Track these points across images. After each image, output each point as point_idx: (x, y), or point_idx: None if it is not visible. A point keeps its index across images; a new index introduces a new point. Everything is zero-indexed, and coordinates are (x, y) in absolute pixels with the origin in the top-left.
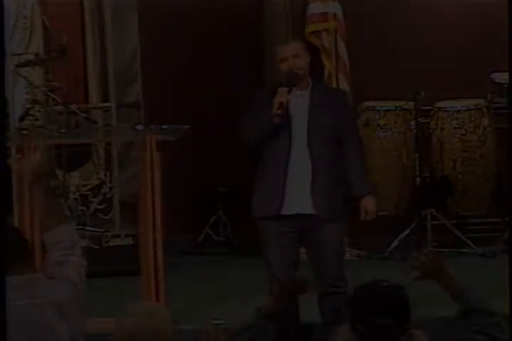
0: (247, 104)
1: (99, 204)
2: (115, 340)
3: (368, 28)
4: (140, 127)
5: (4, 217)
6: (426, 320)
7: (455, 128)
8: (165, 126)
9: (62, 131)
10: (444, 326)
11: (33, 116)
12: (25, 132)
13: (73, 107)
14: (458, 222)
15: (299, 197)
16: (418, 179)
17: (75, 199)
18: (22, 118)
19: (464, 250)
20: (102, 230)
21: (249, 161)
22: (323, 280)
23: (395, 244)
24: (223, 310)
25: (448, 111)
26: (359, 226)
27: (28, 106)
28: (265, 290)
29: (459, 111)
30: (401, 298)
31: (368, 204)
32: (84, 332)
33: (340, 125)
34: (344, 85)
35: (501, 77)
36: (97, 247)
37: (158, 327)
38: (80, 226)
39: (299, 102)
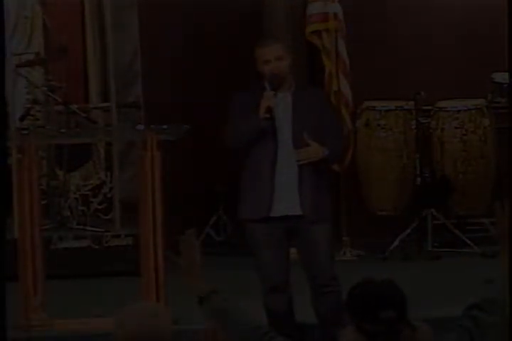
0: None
1: (100, 204)
2: (116, 340)
3: (368, 28)
4: (140, 127)
5: (4, 217)
6: (425, 320)
7: (455, 128)
8: (165, 126)
9: (63, 130)
10: (443, 326)
11: (33, 116)
12: (25, 132)
13: (73, 107)
14: (458, 221)
15: (287, 199)
16: (418, 179)
17: (76, 199)
18: (22, 118)
19: (464, 250)
20: (102, 230)
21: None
22: (316, 281)
23: (395, 243)
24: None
25: (448, 111)
26: (359, 226)
27: (29, 106)
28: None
29: (459, 111)
30: (397, 290)
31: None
32: None
33: (323, 125)
34: (344, 85)
35: (501, 77)
36: (97, 247)
37: (160, 328)
38: (81, 226)
39: (282, 104)
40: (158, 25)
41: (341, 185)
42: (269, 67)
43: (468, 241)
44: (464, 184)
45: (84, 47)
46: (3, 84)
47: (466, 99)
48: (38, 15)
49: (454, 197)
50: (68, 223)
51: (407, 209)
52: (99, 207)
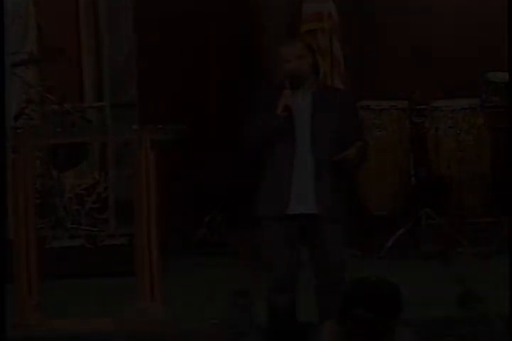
0: (245, 104)
1: (94, 203)
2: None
3: (365, 27)
4: (135, 126)
5: (4, 217)
6: (423, 320)
7: (450, 127)
8: (160, 126)
9: (58, 130)
10: (441, 326)
11: (28, 115)
12: (20, 131)
13: (68, 106)
14: (453, 221)
15: (304, 197)
16: (413, 179)
17: (70, 198)
18: (17, 118)
19: (459, 250)
20: (96, 229)
21: (247, 162)
22: (323, 280)
23: (390, 243)
24: (219, 309)
25: (443, 111)
26: (355, 226)
27: (23, 105)
28: (261, 290)
29: (453, 110)
30: (388, 293)
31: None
32: None
33: (344, 125)
34: (339, 84)
35: (496, 76)
36: (91, 247)
37: (159, 328)
38: (75, 226)
39: (302, 103)
40: (153, 24)
41: None
42: (290, 66)
43: (464, 241)
44: (459, 183)
45: (79, 47)
46: (3, 85)
47: (460, 99)
48: (32, 15)
49: (449, 196)
50: (63, 222)
51: (403, 209)
52: (94, 206)
